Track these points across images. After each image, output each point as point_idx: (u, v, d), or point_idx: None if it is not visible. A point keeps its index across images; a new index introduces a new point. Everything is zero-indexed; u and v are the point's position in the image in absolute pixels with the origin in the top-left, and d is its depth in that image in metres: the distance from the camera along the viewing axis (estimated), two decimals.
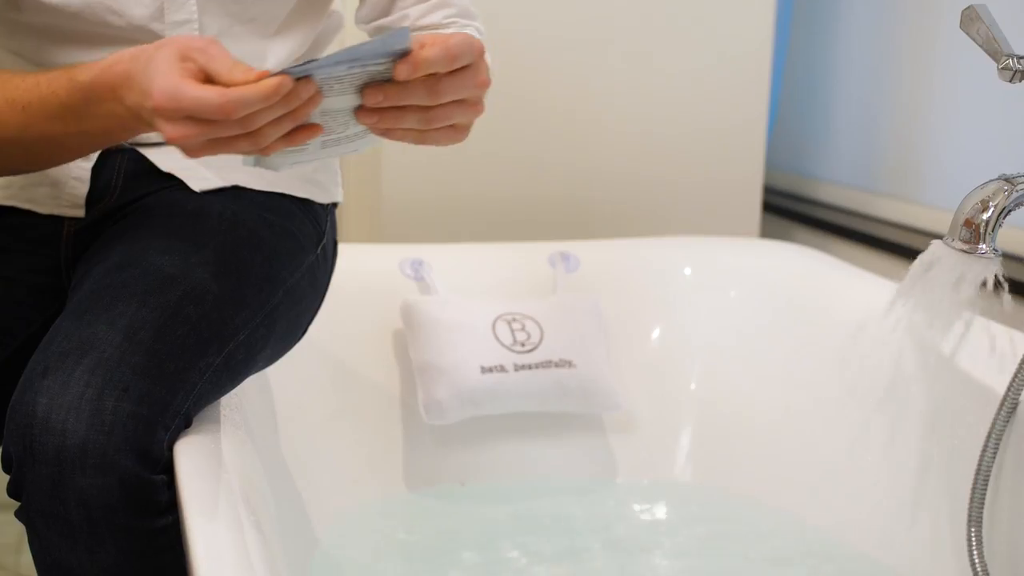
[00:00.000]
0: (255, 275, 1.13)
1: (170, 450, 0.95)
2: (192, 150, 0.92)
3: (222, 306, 1.06)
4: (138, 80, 0.93)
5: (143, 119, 0.94)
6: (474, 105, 0.98)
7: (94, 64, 0.98)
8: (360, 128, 0.97)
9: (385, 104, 0.94)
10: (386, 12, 1.29)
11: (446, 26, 1.27)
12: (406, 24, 1.26)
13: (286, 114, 0.90)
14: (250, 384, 1.21)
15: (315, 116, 0.93)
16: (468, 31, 1.27)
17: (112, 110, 0.97)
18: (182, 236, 1.11)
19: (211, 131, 0.89)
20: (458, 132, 1.00)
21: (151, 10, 1.13)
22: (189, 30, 1.15)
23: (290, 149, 0.95)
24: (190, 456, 0.95)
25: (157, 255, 1.07)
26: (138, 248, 1.09)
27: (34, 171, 1.14)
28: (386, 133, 0.98)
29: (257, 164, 0.98)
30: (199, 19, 1.15)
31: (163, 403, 0.95)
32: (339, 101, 0.94)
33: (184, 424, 0.98)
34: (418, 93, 0.94)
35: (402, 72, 0.91)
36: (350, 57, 0.90)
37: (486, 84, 0.98)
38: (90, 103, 0.98)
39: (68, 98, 0.98)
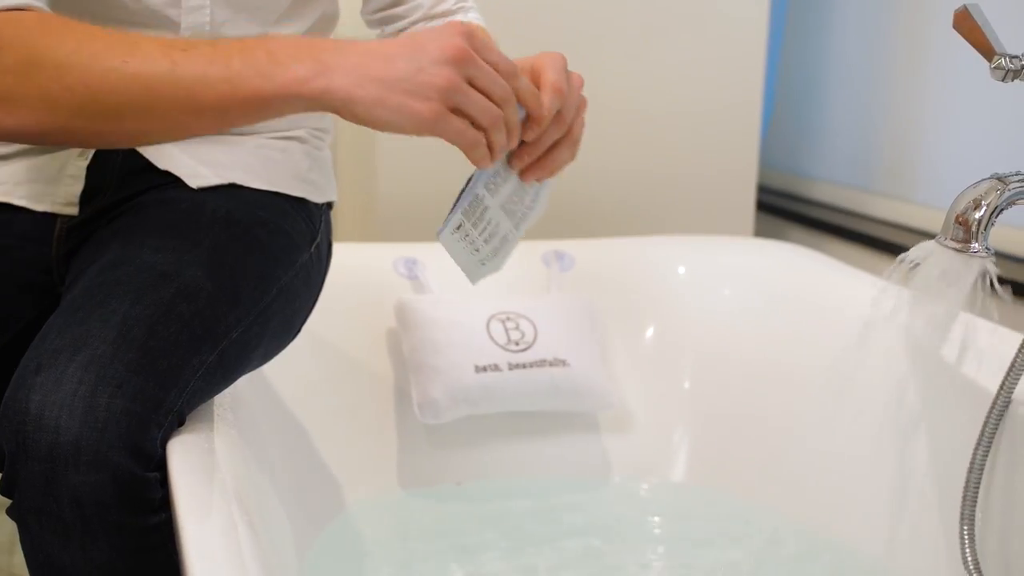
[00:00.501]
0: (249, 273, 1.13)
1: (163, 448, 0.95)
2: (438, 106, 0.96)
3: (216, 304, 1.06)
4: (381, 47, 0.97)
5: (339, 81, 0.95)
6: (583, 103, 1.08)
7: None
8: (533, 187, 1.09)
9: (534, 158, 1.06)
10: (397, 2, 1.31)
11: (455, 12, 1.32)
12: (418, 14, 1.30)
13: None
14: (244, 383, 1.21)
15: (496, 212, 1.07)
16: (471, 16, 1.31)
17: (303, 56, 0.96)
18: (176, 234, 1.11)
19: (471, 97, 0.97)
20: (583, 125, 1.10)
21: None
22: (201, 16, 1.16)
23: (502, 245, 1.11)
24: (183, 454, 0.95)
25: (151, 253, 1.07)
26: (132, 246, 1.09)
27: (131, 136, 1.08)
28: (551, 174, 1.09)
29: (480, 273, 1.13)
30: (210, 6, 1.17)
31: (156, 400, 0.95)
32: (505, 186, 1.06)
33: (177, 422, 0.98)
34: (552, 132, 1.05)
35: (532, 134, 1.04)
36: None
37: (582, 82, 1.08)
38: (279, 52, 0.96)
39: (256, 43, 0.98)
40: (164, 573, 0.95)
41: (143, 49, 0.97)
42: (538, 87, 1.04)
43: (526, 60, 1.07)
